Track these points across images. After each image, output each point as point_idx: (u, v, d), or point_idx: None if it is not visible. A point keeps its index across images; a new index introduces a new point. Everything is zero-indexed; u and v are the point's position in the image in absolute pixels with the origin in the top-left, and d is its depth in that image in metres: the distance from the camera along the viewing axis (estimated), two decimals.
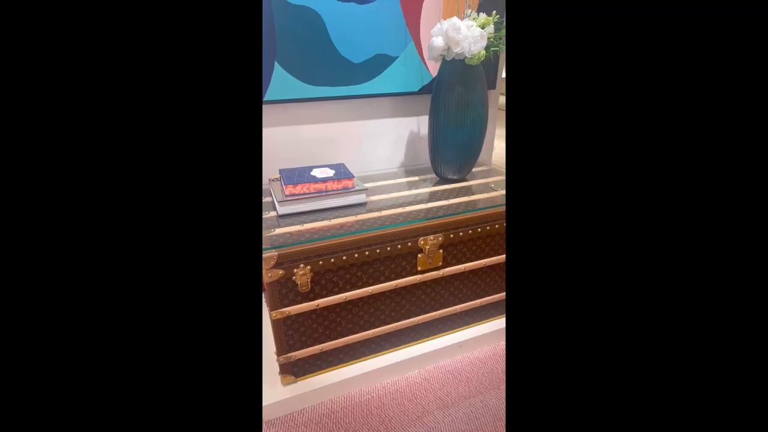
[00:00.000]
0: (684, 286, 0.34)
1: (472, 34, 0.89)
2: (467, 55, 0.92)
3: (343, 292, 0.89)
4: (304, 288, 0.83)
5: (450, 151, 1.06)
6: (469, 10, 0.96)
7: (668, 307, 0.34)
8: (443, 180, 1.14)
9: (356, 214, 0.93)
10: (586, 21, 0.34)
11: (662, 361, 0.34)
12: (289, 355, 0.90)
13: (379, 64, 1.09)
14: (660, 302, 0.34)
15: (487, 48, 0.94)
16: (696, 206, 0.33)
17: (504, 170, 1.21)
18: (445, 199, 1.02)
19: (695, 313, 0.34)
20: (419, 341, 1.05)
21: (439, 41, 0.93)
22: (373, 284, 0.91)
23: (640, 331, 0.35)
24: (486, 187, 1.10)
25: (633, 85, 0.34)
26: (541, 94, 0.36)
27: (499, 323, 1.13)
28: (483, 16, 0.93)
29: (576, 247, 0.36)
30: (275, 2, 0.94)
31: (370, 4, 1.02)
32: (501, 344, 1.13)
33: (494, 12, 0.96)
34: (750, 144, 0.32)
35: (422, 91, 1.18)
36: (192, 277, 0.36)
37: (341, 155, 1.20)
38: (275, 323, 0.86)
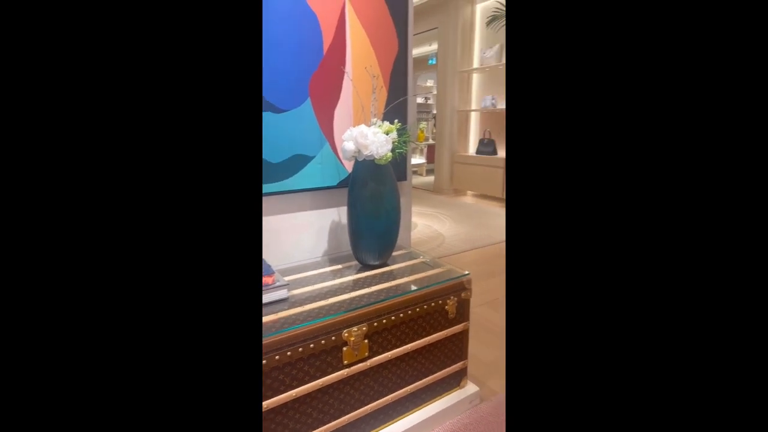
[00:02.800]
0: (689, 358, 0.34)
1: (378, 139, 1.01)
2: (376, 157, 1.03)
3: (264, 401, 0.83)
4: None
5: (369, 240, 1.12)
6: (375, 119, 1.10)
7: (676, 382, 0.35)
8: (365, 266, 1.18)
9: (278, 312, 0.91)
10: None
11: None
12: None
13: (297, 163, 1.17)
14: (670, 378, 0.34)
15: (393, 150, 1.06)
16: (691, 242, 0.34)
17: (420, 253, 1.30)
18: (368, 286, 1.05)
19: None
20: None
21: (350, 145, 1.04)
22: (297, 386, 0.87)
23: (645, 402, 0.35)
24: (406, 271, 1.16)
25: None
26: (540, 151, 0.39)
27: (430, 410, 1.11)
28: (387, 124, 1.07)
29: (571, 315, 0.37)
30: None
31: (286, 112, 1.12)
32: None
33: (396, 120, 1.11)
34: (749, 144, 0.33)
35: (340, 185, 1.27)
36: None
37: (265, 250, 1.19)
38: None
